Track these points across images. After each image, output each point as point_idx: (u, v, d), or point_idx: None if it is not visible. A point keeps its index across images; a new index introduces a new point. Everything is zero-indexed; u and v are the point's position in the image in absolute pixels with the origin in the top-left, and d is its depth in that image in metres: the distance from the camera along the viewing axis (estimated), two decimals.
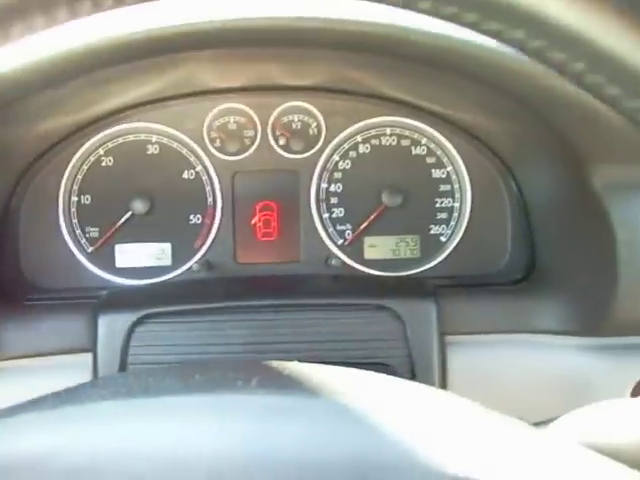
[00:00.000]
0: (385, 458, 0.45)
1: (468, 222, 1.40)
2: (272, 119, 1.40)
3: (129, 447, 0.45)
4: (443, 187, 1.42)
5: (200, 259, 1.38)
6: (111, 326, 1.14)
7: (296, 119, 1.41)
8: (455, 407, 0.54)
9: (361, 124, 1.40)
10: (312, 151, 1.40)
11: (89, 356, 1.15)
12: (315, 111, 1.40)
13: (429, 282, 1.28)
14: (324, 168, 1.40)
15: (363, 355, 1.12)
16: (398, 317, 1.16)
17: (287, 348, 1.13)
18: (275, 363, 0.60)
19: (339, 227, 1.42)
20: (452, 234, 1.42)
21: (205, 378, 0.61)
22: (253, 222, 1.42)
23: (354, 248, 1.41)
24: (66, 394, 0.58)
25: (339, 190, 1.41)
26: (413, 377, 1.13)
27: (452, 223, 1.42)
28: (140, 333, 1.14)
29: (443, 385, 1.15)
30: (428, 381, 1.11)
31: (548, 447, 0.48)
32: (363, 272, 1.39)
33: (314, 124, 1.41)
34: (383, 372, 0.58)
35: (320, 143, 1.40)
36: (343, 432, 0.47)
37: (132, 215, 1.38)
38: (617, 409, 0.63)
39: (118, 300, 1.22)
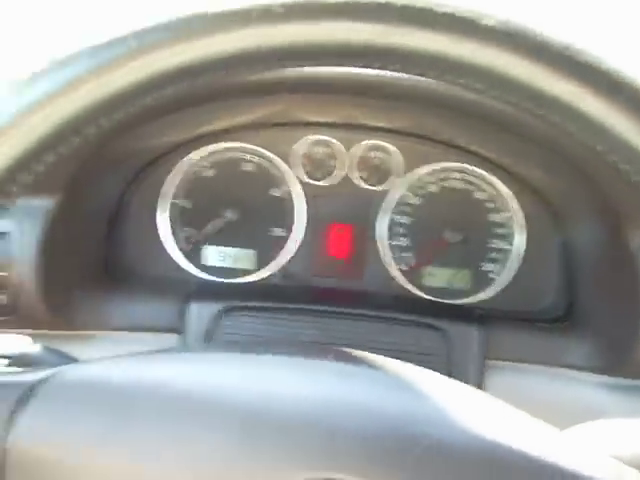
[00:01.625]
0: (433, 429, 0.54)
1: (518, 264, 1.50)
2: (355, 153, 1.51)
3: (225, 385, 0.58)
4: (499, 230, 1.51)
5: (280, 268, 1.51)
6: (200, 312, 1.27)
7: (376, 155, 1.52)
8: (493, 403, 0.62)
9: (434, 166, 1.50)
10: (387, 185, 1.51)
11: (175, 337, 1.27)
12: (394, 150, 1.50)
13: (476, 310, 1.37)
14: (396, 201, 1.51)
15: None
16: (445, 336, 1.25)
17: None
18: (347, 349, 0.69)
19: (404, 254, 1.53)
20: (502, 272, 1.51)
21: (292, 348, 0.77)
22: (328, 241, 1.52)
23: (414, 274, 1.52)
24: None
25: (408, 222, 1.52)
26: None
27: (503, 263, 1.51)
28: (223, 322, 1.26)
29: None
30: None
31: (573, 450, 0.55)
32: (420, 296, 1.48)
33: (392, 162, 1.51)
34: None
35: (395, 179, 1.50)
36: (395, 399, 0.58)
37: (223, 221, 1.51)
38: (622, 426, 0.73)
39: (207, 292, 1.35)
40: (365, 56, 0.50)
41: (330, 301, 1.34)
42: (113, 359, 0.63)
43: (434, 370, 1.23)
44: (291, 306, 1.30)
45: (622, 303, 1.22)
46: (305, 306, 1.30)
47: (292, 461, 0.53)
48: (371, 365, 0.66)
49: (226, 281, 1.47)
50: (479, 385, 1.24)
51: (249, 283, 1.48)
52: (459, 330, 1.28)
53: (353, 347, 1.24)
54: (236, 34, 0.49)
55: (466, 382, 1.20)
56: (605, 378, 1.26)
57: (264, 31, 0.48)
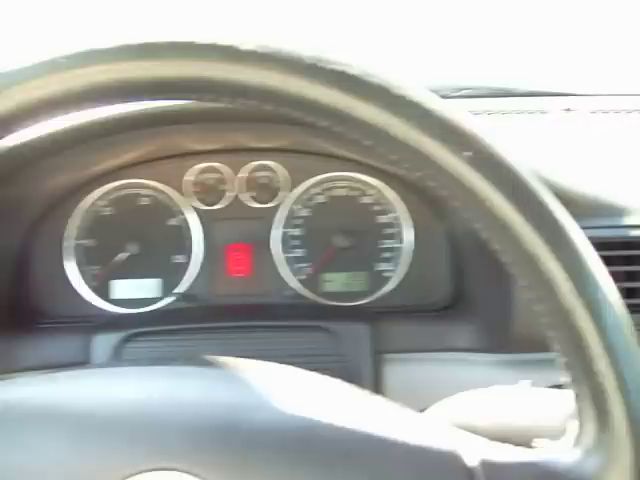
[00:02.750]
0: (257, 415, 0.56)
1: (410, 260, 1.57)
2: (243, 175, 1.58)
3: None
4: (388, 230, 1.57)
5: (182, 292, 1.55)
6: (103, 343, 1.31)
7: (263, 175, 1.58)
8: (348, 391, 0.62)
9: (318, 178, 1.57)
10: (277, 202, 1.57)
11: None
12: (280, 167, 1.57)
13: (368, 309, 1.44)
14: (286, 216, 1.57)
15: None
16: (336, 337, 1.30)
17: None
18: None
19: (299, 265, 1.58)
20: (395, 271, 1.57)
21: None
22: (227, 261, 1.57)
23: (313, 282, 1.57)
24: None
25: (300, 234, 1.57)
26: None
27: (396, 260, 1.58)
28: (128, 349, 1.29)
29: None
30: None
31: (420, 425, 0.57)
32: (321, 302, 1.54)
33: (278, 178, 1.58)
34: None
35: (284, 195, 1.57)
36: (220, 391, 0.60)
37: (127, 255, 1.55)
38: (477, 397, 0.77)
39: (111, 323, 1.38)
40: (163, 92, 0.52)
41: (231, 317, 1.38)
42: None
43: (328, 369, 1.33)
44: (193, 326, 1.34)
45: (498, 287, 1.28)
46: (207, 324, 1.34)
47: (121, 457, 0.55)
48: (209, 365, 0.67)
49: (134, 311, 1.50)
50: (376, 379, 1.31)
51: (155, 310, 1.51)
52: (348, 329, 1.34)
53: (250, 357, 1.32)
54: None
55: (361, 377, 1.32)
56: (492, 356, 1.33)
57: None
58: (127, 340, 1.31)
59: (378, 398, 0.63)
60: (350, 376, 1.28)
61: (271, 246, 1.57)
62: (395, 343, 1.38)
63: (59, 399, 0.59)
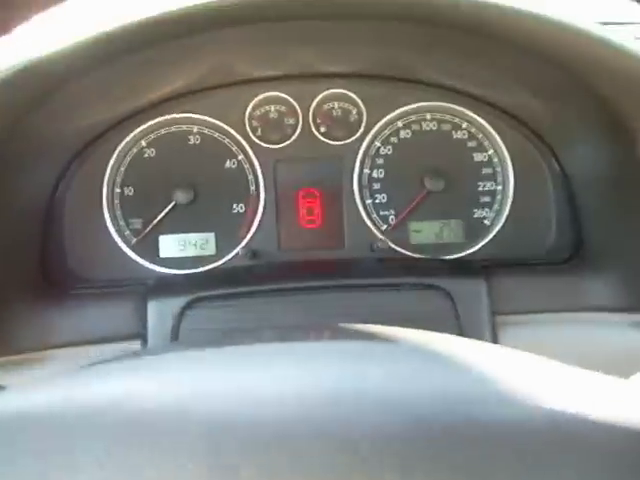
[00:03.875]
0: (472, 392, 0.45)
1: (511, 204, 1.38)
2: (313, 107, 1.40)
3: (217, 390, 0.45)
4: (485, 170, 1.40)
5: (244, 247, 1.37)
6: (161, 311, 1.12)
7: (337, 106, 1.40)
8: (535, 358, 0.53)
9: (401, 110, 1.39)
10: (353, 138, 1.39)
11: (138, 344, 1.13)
12: (355, 98, 1.39)
13: (477, 263, 1.26)
14: (366, 154, 1.39)
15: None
16: (448, 296, 1.13)
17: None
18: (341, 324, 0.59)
19: (382, 213, 1.41)
20: (496, 217, 1.40)
21: (277, 333, 0.63)
22: (296, 209, 1.41)
23: (398, 233, 1.40)
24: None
25: (381, 176, 1.40)
26: None
27: (495, 206, 1.40)
28: (189, 317, 1.11)
29: None
30: None
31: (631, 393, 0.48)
32: (409, 256, 1.36)
33: (354, 111, 1.40)
34: None
35: (361, 130, 1.39)
36: (426, 370, 0.47)
37: (175, 205, 1.37)
38: None
39: (166, 286, 1.20)
40: None
41: (307, 276, 1.20)
42: (31, 383, 0.50)
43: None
44: (263, 287, 1.16)
45: (633, 234, 1.12)
46: (279, 285, 1.16)
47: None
48: (384, 339, 0.56)
49: (187, 272, 1.33)
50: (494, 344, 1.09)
51: (213, 270, 1.35)
52: (462, 285, 1.16)
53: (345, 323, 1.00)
54: None
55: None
56: (630, 316, 1.15)
57: None
58: (188, 307, 1.12)
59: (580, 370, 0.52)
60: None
61: (349, 191, 1.40)
62: (513, 303, 1.19)
63: (190, 401, 0.44)
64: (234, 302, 1.14)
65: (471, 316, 1.13)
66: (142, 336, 1.13)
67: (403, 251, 1.38)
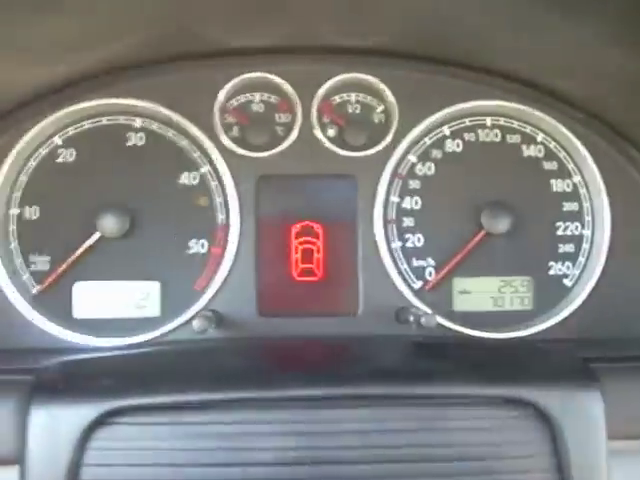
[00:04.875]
0: None
1: (607, 258, 1.11)
2: (318, 98, 1.11)
3: None
4: (568, 206, 1.13)
5: (203, 309, 1.07)
6: (52, 427, 0.79)
7: (354, 99, 1.12)
8: None
9: (450, 110, 1.11)
10: (378, 148, 1.11)
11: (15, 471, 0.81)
12: (384, 87, 1.11)
13: (577, 355, 0.95)
14: (395, 174, 1.11)
15: None
16: (546, 417, 0.82)
17: (350, 472, 0.79)
18: None
19: (416, 263, 1.12)
20: (581, 275, 1.12)
21: None
22: (287, 253, 1.11)
23: (438, 295, 1.12)
24: None
25: (417, 207, 1.12)
26: None
27: (581, 259, 1.12)
28: (100, 442, 0.79)
29: None
30: None
31: None
32: (452, 331, 1.09)
33: (380, 108, 1.12)
34: None
35: (390, 136, 1.11)
36: None
37: (101, 238, 1.07)
38: None
39: (68, 378, 0.88)
40: None
41: (306, 373, 0.87)
42: None
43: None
44: (232, 395, 0.80)
45: None
46: (257, 391, 0.81)
47: None
48: None
49: (111, 345, 1.05)
50: None
51: (153, 347, 1.04)
52: (569, 401, 0.83)
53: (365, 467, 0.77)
54: None
55: None
56: None
57: None
58: (100, 424, 0.79)
59: None
60: None
61: (367, 228, 1.10)
62: (631, 423, 0.89)
63: None
64: (178, 417, 0.80)
65: (582, 449, 0.82)
66: (20, 461, 0.80)
67: (445, 322, 1.08)
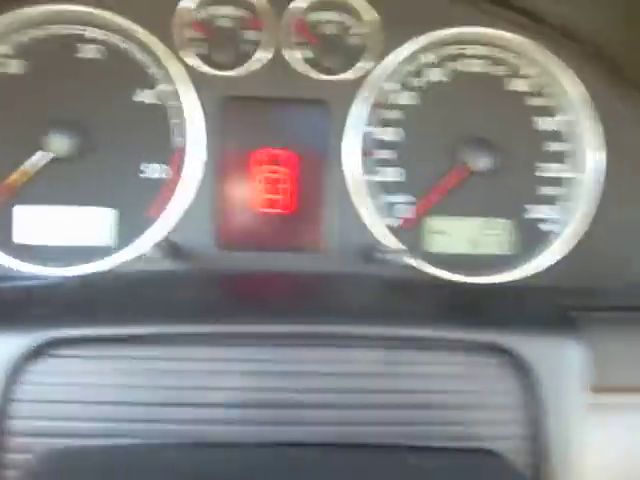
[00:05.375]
0: None
1: (595, 204, 1.06)
2: (290, 14, 1.03)
3: None
4: (553, 145, 1.06)
5: (161, 240, 1.00)
6: None
7: (331, 17, 1.03)
8: None
9: (434, 34, 1.03)
10: (354, 72, 1.03)
11: None
12: (362, 7, 1.03)
13: (557, 303, 0.92)
14: (372, 101, 1.04)
15: (457, 434, 0.75)
16: (521, 365, 0.78)
17: (313, 417, 0.74)
18: None
19: (391, 199, 1.05)
20: (566, 221, 1.06)
21: None
22: (252, 182, 1.03)
23: (413, 235, 1.05)
24: None
25: (393, 138, 1.04)
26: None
27: (567, 204, 1.06)
28: (34, 375, 0.73)
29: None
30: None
31: None
32: (425, 273, 1.03)
33: (359, 28, 1.04)
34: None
35: (367, 59, 1.03)
36: None
37: (48, 158, 0.99)
38: None
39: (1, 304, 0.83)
40: None
41: (264, 308, 0.82)
42: None
43: (507, 436, 0.78)
44: (183, 328, 0.75)
45: None
46: (210, 325, 0.75)
47: None
48: None
49: (56, 275, 0.99)
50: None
51: (103, 276, 0.98)
52: (547, 349, 0.78)
53: (326, 412, 0.73)
54: None
55: (566, 446, 0.81)
56: None
57: None
58: (38, 354, 0.73)
59: None
60: (547, 446, 0.78)
61: (338, 158, 1.03)
62: (610, 376, 0.85)
63: None
64: (122, 351, 0.75)
65: (559, 402, 0.78)
66: None
67: (419, 265, 1.01)
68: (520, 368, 0.77)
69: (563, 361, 0.79)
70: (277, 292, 0.92)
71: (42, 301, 0.85)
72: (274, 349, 0.75)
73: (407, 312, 0.84)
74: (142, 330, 0.75)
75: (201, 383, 0.73)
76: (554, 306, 0.92)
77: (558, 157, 1.05)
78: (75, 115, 0.99)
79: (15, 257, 0.98)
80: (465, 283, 1.03)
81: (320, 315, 0.79)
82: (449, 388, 0.76)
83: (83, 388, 0.73)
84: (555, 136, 1.05)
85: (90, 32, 0.99)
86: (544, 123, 1.05)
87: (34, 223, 0.99)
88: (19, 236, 0.99)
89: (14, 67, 0.99)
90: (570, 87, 1.05)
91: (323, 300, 0.88)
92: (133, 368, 0.74)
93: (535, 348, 0.79)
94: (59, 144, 0.98)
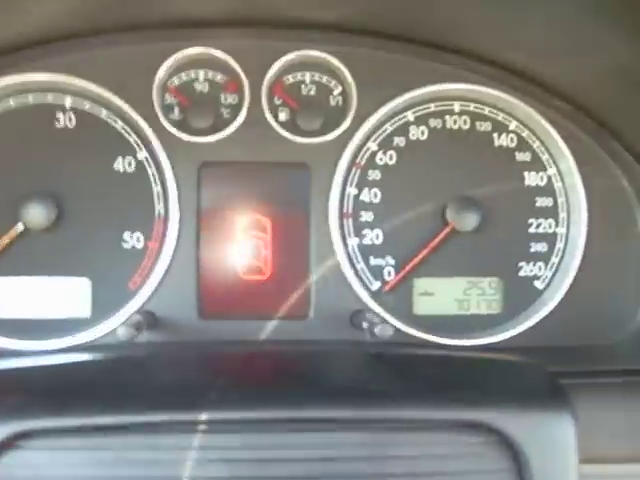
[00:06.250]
0: None
1: (582, 259, 1.04)
2: (269, 77, 1.02)
3: None
4: (541, 201, 1.05)
5: (139, 309, 0.98)
6: None
7: (309, 79, 1.03)
8: None
9: (414, 93, 1.03)
10: (334, 134, 1.02)
11: None
12: (341, 67, 1.02)
13: (546, 370, 0.86)
14: (353, 163, 1.03)
15: None
16: (511, 445, 0.73)
17: None
18: None
19: (374, 261, 1.03)
20: (554, 277, 1.05)
21: None
22: (234, 248, 1.01)
23: (398, 297, 1.03)
24: None
25: (376, 200, 1.03)
26: None
27: (554, 260, 1.05)
28: (4, 468, 0.70)
29: None
30: None
31: None
32: (413, 337, 1.01)
33: (338, 89, 1.04)
34: None
35: (348, 121, 1.03)
36: None
37: (25, 230, 0.98)
38: None
39: None
40: None
41: (249, 388, 0.77)
42: None
43: None
44: (163, 417, 0.70)
45: None
46: (185, 415, 0.71)
47: None
48: None
49: (32, 349, 0.94)
50: None
51: (80, 352, 0.90)
52: (536, 430, 0.74)
53: None
54: None
55: None
56: None
57: None
58: (8, 447, 0.69)
59: None
60: None
61: (321, 223, 1.01)
62: (599, 446, 0.82)
63: None
64: (95, 441, 0.70)
65: (548, 476, 0.74)
66: None
67: (404, 328, 1.00)
68: (509, 447, 0.73)
69: (555, 439, 0.76)
70: (256, 371, 0.86)
71: (11, 388, 0.79)
72: (253, 435, 0.71)
73: (392, 391, 0.78)
74: (112, 420, 0.71)
75: (180, 473, 0.69)
76: (543, 374, 0.87)
77: (547, 212, 1.03)
78: (51, 185, 0.97)
79: None
80: (453, 346, 1.00)
81: (303, 399, 0.75)
82: (435, 469, 0.72)
83: None
84: (544, 191, 1.03)
85: (68, 101, 0.98)
86: (532, 178, 1.03)
87: (12, 296, 0.96)
88: None
89: None
90: (552, 141, 1.04)
91: (306, 380, 0.83)
92: (106, 459, 0.70)
93: (524, 426, 0.75)
94: (35, 215, 0.95)
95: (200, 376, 0.84)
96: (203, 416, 0.71)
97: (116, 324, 0.95)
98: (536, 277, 1.04)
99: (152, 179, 0.99)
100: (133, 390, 0.77)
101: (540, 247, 1.04)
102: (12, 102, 0.98)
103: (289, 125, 1.01)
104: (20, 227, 0.95)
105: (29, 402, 0.74)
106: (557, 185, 1.04)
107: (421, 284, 1.02)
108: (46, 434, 0.71)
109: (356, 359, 0.92)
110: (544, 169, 1.04)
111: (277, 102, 1.01)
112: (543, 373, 0.86)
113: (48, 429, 0.71)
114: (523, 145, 1.04)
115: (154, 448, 0.70)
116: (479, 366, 0.90)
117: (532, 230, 1.04)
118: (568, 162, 1.03)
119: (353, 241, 1.01)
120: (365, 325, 0.94)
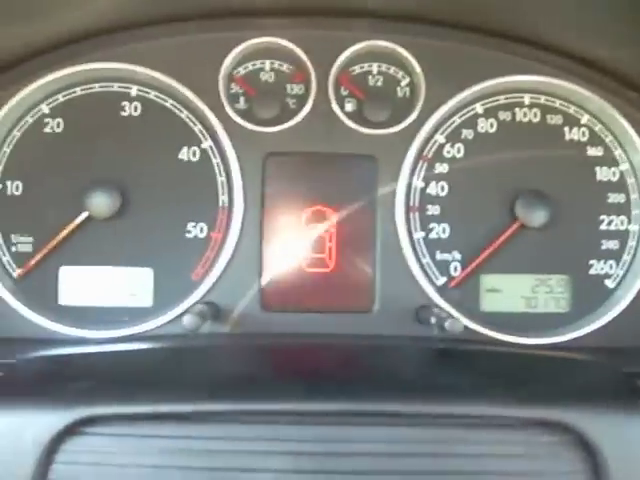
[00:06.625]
0: None
1: None
2: (336, 67, 1.01)
3: None
4: (614, 197, 1.02)
5: (201, 300, 0.97)
6: (14, 435, 0.70)
7: (376, 70, 1.02)
8: None
9: (484, 85, 1.00)
10: (401, 126, 1.01)
11: None
12: (409, 57, 1.01)
13: (621, 369, 0.85)
14: (420, 155, 1.01)
15: None
16: (587, 445, 0.70)
17: None
18: None
19: (441, 256, 1.01)
20: (625, 276, 1.02)
21: None
22: (296, 241, 1.00)
23: (464, 293, 1.01)
24: None
25: (443, 193, 1.01)
26: None
27: (626, 258, 1.02)
28: (69, 454, 0.69)
29: None
30: None
31: None
32: (477, 333, 0.98)
33: (406, 80, 1.02)
34: None
35: (415, 113, 1.01)
36: None
37: (89, 218, 0.97)
38: None
39: (37, 378, 0.80)
40: None
41: (313, 381, 0.76)
42: None
43: None
44: (226, 406, 0.69)
45: None
46: (255, 403, 0.70)
47: None
48: None
49: (97, 337, 0.94)
50: None
51: (142, 340, 0.92)
52: (612, 426, 0.71)
53: None
54: None
55: None
56: None
57: None
58: (69, 434, 0.68)
59: None
60: None
61: (387, 216, 0.99)
62: None
63: None
64: (158, 429, 0.70)
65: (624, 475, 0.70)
66: None
67: (471, 324, 0.96)
68: (584, 448, 0.70)
69: (633, 440, 0.72)
70: (320, 363, 0.85)
71: (77, 374, 0.80)
72: (317, 428, 0.70)
73: (461, 387, 0.77)
74: (176, 408, 0.70)
75: (239, 464, 0.67)
76: (619, 374, 0.85)
77: (619, 209, 1.01)
78: (115, 174, 0.97)
79: (58, 320, 0.94)
80: (520, 344, 0.97)
81: (369, 392, 0.73)
82: (506, 469, 0.69)
83: (116, 469, 0.68)
84: (616, 186, 1.01)
85: (134, 90, 0.98)
86: (604, 174, 1.00)
87: (77, 285, 0.96)
88: (64, 298, 0.96)
89: (51, 126, 0.97)
90: (626, 135, 1.01)
91: (369, 373, 0.82)
92: (168, 447, 0.69)
93: (603, 426, 0.72)
94: (100, 204, 0.95)
95: (265, 368, 0.83)
96: (267, 407, 0.70)
97: (178, 314, 0.94)
98: (607, 275, 1.01)
99: (217, 169, 0.98)
100: (197, 379, 0.77)
101: (611, 245, 1.01)
102: (79, 91, 0.98)
103: (356, 116, 0.99)
104: (84, 215, 0.95)
105: (94, 388, 0.74)
106: (630, 181, 1.01)
107: (488, 280, 1.00)
108: (110, 421, 0.70)
109: (423, 354, 0.91)
110: (616, 164, 1.01)
111: (344, 93, 1.00)
112: (619, 374, 0.85)
113: (113, 415, 0.70)
114: (595, 139, 1.02)
115: (216, 438, 0.69)
116: (553, 364, 0.89)
117: (603, 227, 1.01)
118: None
119: (419, 235, 0.99)
120: (433, 320, 0.90)
